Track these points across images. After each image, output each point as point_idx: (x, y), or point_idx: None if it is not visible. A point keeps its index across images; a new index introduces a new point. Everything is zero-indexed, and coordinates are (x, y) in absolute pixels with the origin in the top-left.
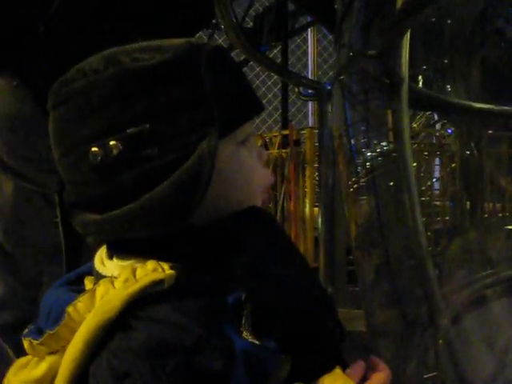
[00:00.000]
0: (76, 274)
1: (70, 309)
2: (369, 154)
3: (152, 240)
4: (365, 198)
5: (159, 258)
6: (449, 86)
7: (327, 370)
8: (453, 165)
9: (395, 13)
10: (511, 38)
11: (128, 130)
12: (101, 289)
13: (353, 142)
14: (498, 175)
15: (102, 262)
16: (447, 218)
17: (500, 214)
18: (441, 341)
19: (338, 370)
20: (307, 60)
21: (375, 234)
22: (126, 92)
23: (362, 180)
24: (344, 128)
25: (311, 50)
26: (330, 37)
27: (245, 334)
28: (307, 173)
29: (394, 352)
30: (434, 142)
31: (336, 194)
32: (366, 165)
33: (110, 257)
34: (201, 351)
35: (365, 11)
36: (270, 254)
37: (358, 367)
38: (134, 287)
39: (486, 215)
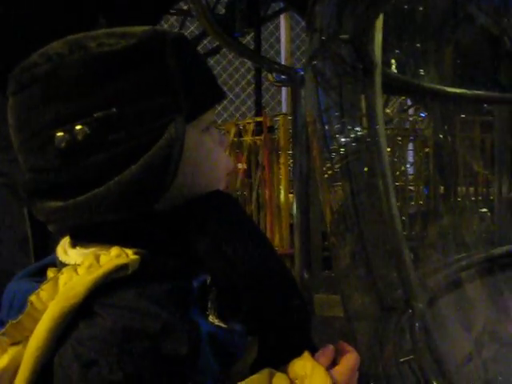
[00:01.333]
0: (37, 267)
1: (32, 298)
2: (343, 139)
3: (116, 226)
4: (339, 183)
5: (124, 244)
6: (422, 71)
7: (296, 354)
8: (426, 150)
9: None
10: (482, 24)
11: (95, 114)
12: (64, 276)
13: (326, 127)
14: (471, 160)
15: (65, 251)
16: (421, 202)
17: (473, 198)
18: (417, 324)
19: (306, 354)
20: (280, 47)
21: (350, 220)
22: (93, 76)
23: (337, 166)
24: (317, 114)
25: (284, 36)
26: (303, 23)
27: (211, 318)
28: (281, 160)
29: (371, 336)
30: (408, 127)
31: (310, 181)
32: (340, 151)
33: (74, 246)
34: (167, 336)
35: None
36: (233, 236)
37: (327, 351)
38: (98, 272)
39: (459, 199)
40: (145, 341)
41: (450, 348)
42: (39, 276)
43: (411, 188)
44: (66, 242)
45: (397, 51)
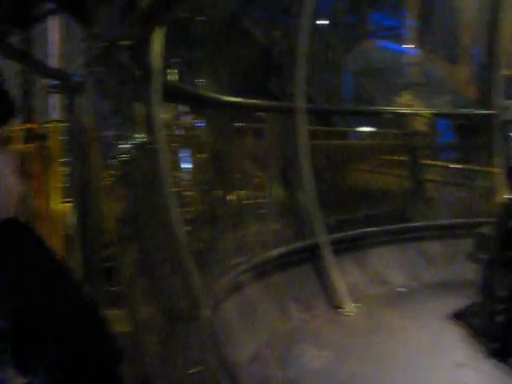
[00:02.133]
0: None
1: None
2: (123, 146)
3: None
4: (121, 191)
5: None
6: (202, 80)
7: None
8: (201, 155)
9: (145, 7)
10: (255, 36)
11: None
12: None
13: (106, 134)
14: (246, 164)
15: None
16: (199, 207)
17: (247, 201)
18: (204, 333)
19: None
20: (50, 49)
21: (133, 227)
22: None
23: (117, 172)
24: (96, 121)
25: (55, 38)
26: (76, 25)
27: (6, 373)
28: (53, 168)
29: (159, 349)
30: (183, 133)
31: (88, 189)
32: (120, 157)
33: None
34: None
35: (121, 2)
36: (29, 273)
37: None
38: None
39: (237, 203)
40: None
41: (235, 349)
42: None
43: (188, 193)
44: None
45: (177, 60)
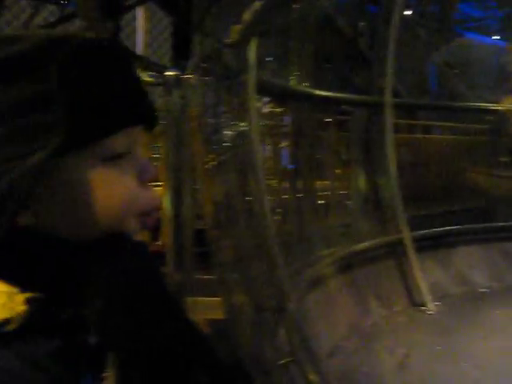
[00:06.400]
0: None
1: None
2: (224, 133)
3: (16, 263)
4: (220, 176)
5: (22, 284)
6: (291, 73)
7: None
8: (284, 145)
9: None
10: (339, 26)
11: None
12: None
13: (212, 122)
14: (329, 156)
15: None
16: (286, 196)
17: (329, 193)
18: (290, 324)
19: None
20: (136, 38)
21: (228, 214)
22: None
23: (221, 158)
24: (204, 110)
25: (141, 27)
26: (161, 14)
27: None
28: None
29: (250, 338)
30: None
31: (184, 174)
32: (221, 145)
33: None
34: None
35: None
36: (127, 303)
37: None
38: None
39: (320, 194)
40: None
41: (315, 343)
42: None
43: (269, 183)
44: None
45: (270, 58)
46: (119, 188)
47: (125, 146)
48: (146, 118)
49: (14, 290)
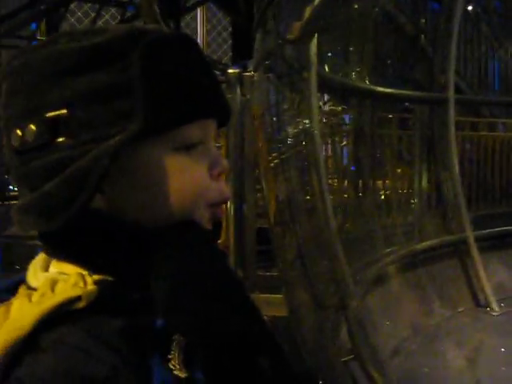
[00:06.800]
0: (14, 281)
1: None
2: (292, 130)
3: (88, 245)
4: (286, 173)
5: (92, 265)
6: (352, 70)
7: None
8: (344, 143)
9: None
10: (404, 25)
11: (46, 115)
12: (16, 302)
13: (275, 120)
14: (390, 154)
15: (35, 271)
16: (346, 195)
17: (387, 192)
18: (352, 322)
19: None
20: (196, 38)
21: (291, 212)
22: (53, 73)
23: (284, 155)
24: (266, 107)
25: (200, 28)
26: (220, 15)
27: (172, 364)
28: None
29: (313, 335)
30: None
31: (246, 173)
32: (287, 141)
33: (47, 264)
34: None
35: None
36: (193, 286)
37: None
38: (48, 304)
39: (381, 193)
40: None
41: (380, 341)
42: (13, 292)
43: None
44: (38, 260)
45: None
46: (192, 176)
47: (198, 137)
48: (220, 111)
49: (84, 271)
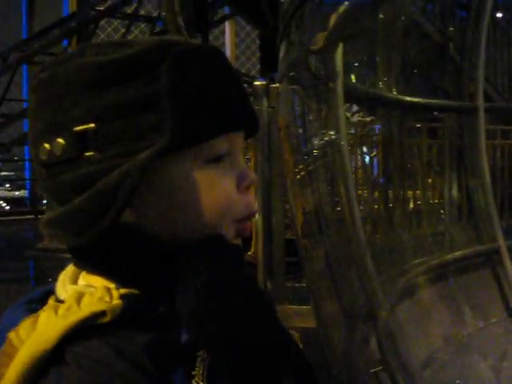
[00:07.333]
0: (43, 291)
1: (11, 334)
2: (318, 142)
3: (116, 258)
4: (313, 184)
5: (119, 279)
6: (379, 80)
7: None
8: (374, 154)
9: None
10: (428, 32)
11: (74, 128)
12: (44, 315)
13: (300, 131)
14: (420, 164)
15: (64, 282)
16: (372, 206)
17: (418, 202)
18: (382, 333)
19: None
20: (225, 51)
21: (318, 223)
22: (80, 86)
23: (310, 167)
24: (292, 119)
25: (229, 41)
26: (248, 28)
27: (195, 381)
28: None
29: (341, 346)
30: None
31: (274, 183)
32: (313, 153)
33: (76, 277)
34: None
35: (317, 14)
36: (220, 300)
37: None
38: (72, 318)
39: (411, 203)
40: None
41: (410, 352)
42: (42, 302)
43: (359, 193)
44: (68, 272)
45: (355, 64)
46: (219, 190)
47: (226, 149)
48: (248, 123)
49: (111, 285)
